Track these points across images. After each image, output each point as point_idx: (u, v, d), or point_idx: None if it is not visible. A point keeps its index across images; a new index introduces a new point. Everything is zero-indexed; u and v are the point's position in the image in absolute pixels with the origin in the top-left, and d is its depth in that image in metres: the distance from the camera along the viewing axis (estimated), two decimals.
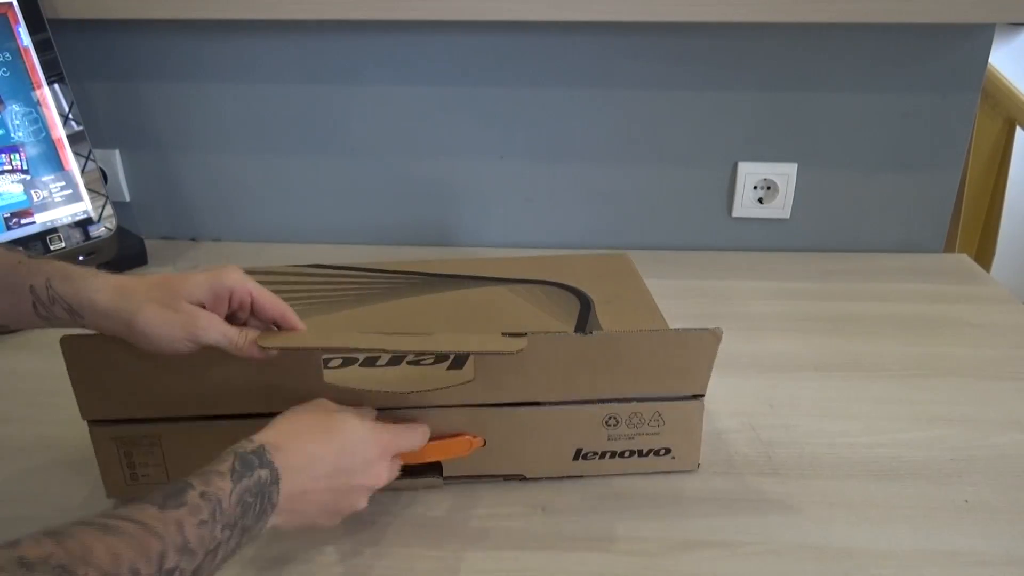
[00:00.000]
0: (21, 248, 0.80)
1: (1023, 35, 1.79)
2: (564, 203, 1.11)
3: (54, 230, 0.95)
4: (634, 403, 0.61)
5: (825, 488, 0.64)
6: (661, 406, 0.62)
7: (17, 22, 0.92)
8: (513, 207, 1.11)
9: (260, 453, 0.47)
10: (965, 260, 1.08)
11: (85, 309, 0.51)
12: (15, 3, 0.92)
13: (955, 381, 0.79)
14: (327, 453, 0.50)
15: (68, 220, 0.97)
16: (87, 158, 0.98)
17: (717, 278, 1.02)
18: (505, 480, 0.64)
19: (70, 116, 0.97)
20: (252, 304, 0.56)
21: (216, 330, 0.53)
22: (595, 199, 1.10)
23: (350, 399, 0.57)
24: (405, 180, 1.11)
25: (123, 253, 1.02)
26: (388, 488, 0.56)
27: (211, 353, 0.54)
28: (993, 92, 1.34)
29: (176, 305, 0.52)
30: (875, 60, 0.99)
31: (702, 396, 0.62)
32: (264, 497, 0.46)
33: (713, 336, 0.58)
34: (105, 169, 1.05)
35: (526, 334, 0.56)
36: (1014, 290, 0.98)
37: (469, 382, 0.59)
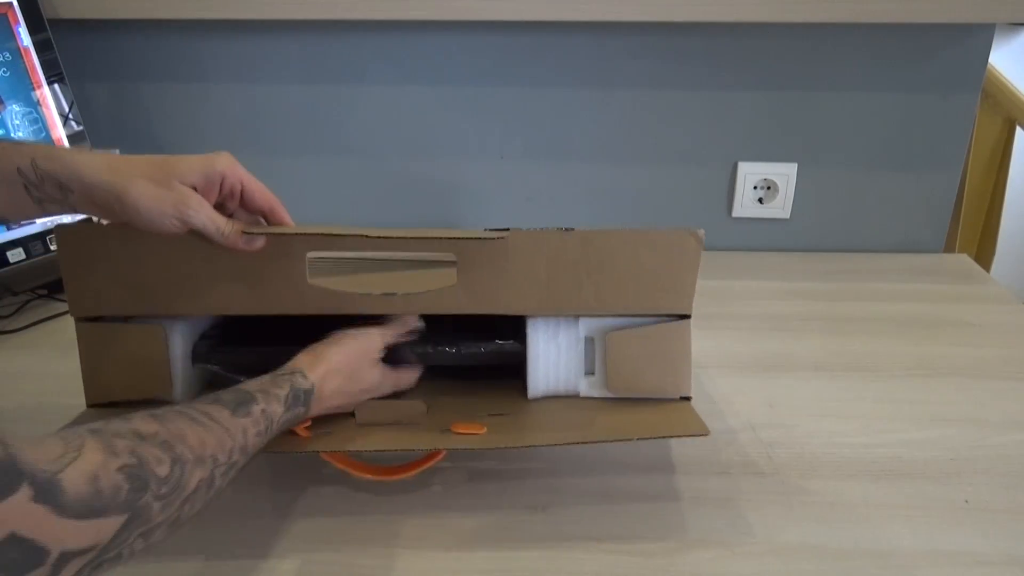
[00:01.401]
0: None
1: (1023, 35, 1.79)
2: (564, 203, 1.11)
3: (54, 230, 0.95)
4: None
5: (825, 488, 0.64)
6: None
7: (17, 22, 0.92)
8: (513, 207, 1.11)
9: (308, 395, 0.55)
10: (965, 260, 1.08)
11: (74, 183, 0.52)
12: (15, 3, 0.92)
13: (955, 381, 0.79)
14: (346, 392, 0.59)
15: (68, 220, 0.97)
16: None
17: (717, 278, 1.02)
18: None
19: (70, 116, 0.97)
20: (242, 193, 0.57)
21: (205, 214, 0.54)
22: (595, 199, 1.10)
23: (336, 303, 0.60)
24: (405, 180, 1.11)
25: None
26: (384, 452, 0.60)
27: (198, 245, 0.55)
28: (993, 92, 1.34)
29: (168, 183, 0.53)
30: (875, 60, 0.99)
31: (689, 317, 0.62)
32: (294, 423, 0.55)
33: (694, 237, 0.58)
34: None
35: (508, 228, 0.57)
36: (1014, 290, 0.98)
37: (451, 287, 0.59)
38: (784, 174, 1.06)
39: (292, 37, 1.03)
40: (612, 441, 0.60)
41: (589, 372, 0.65)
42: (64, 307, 0.94)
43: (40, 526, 0.33)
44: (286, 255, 0.60)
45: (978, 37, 0.97)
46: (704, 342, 0.85)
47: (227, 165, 0.55)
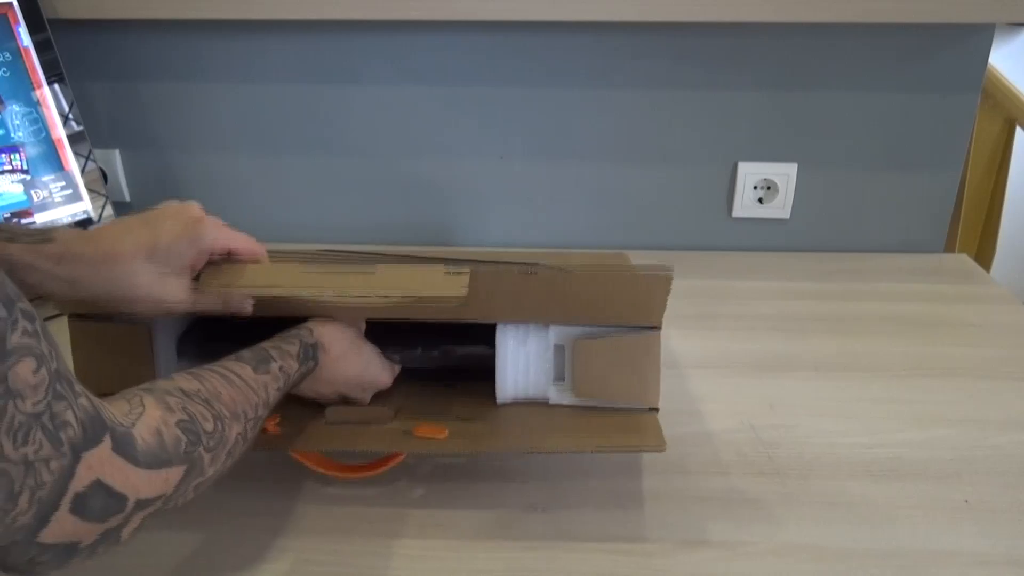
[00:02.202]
0: None
1: (1023, 35, 1.79)
2: (564, 203, 1.11)
3: None
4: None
5: (825, 488, 0.64)
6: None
7: (17, 22, 0.92)
8: (513, 207, 1.11)
9: (316, 350, 0.58)
10: (965, 260, 1.08)
11: (57, 297, 0.51)
12: (15, 3, 0.92)
13: (955, 381, 0.79)
14: (349, 374, 0.61)
15: (68, 220, 0.97)
16: (87, 158, 0.98)
17: (717, 278, 1.02)
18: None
19: (70, 116, 0.97)
20: (229, 253, 0.59)
21: (209, 300, 0.57)
22: (595, 199, 1.10)
23: (307, 309, 0.61)
24: (405, 180, 1.11)
25: None
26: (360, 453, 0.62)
27: None
28: (993, 92, 1.34)
29: (168, 280, 0.54)
30: (875, 60, 0.99)
31: (659, 329, 0.61)
32: (303, 379, 0.57)
33: (664, 279, 0.58)
34: (105, 169, 1.05)
35: (470, 264, 0.57)
36: (1014, 290, 0.98)
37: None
38: (784, 174, 1.06)
39: (292, 37, 1.03)
40: (568, 452, 0.60)
41: (559, 379, 0.65)
42: None
43: (119, 475, 0.36)
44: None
45: (978, 37, 0.97)
46: (704, 342, 0.86)
47: (213, 237, 0.56)
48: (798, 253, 1.10)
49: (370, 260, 0.62)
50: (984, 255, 1.40)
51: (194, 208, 0.56)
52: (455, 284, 0.57)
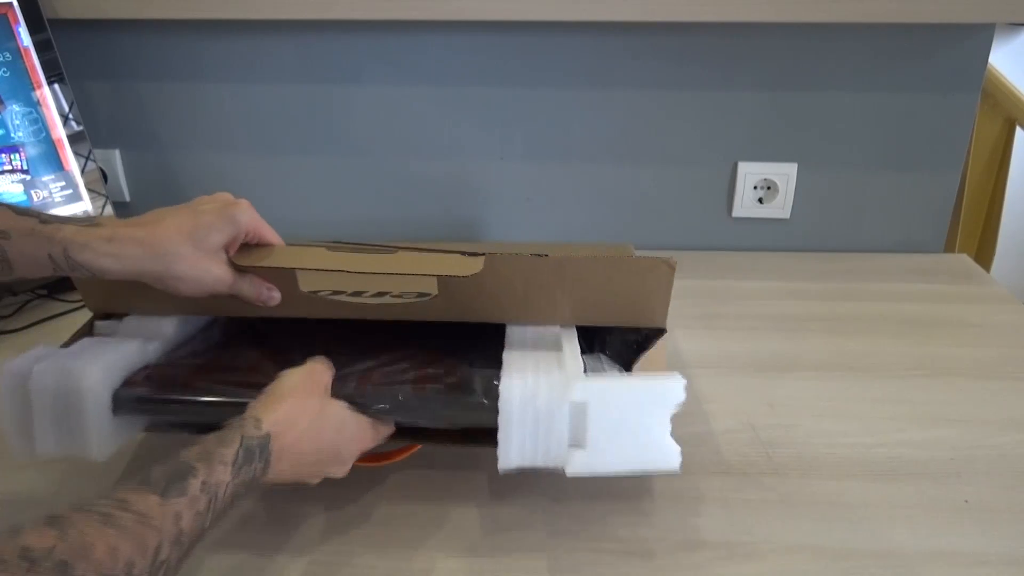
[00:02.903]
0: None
1: (1023, 35, 1.79)
2: (564, 203, 1.11)
3: None
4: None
5: (825, 488, 0.64)
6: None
7: (17, 22, 0.92)
8: (513, 207, 1.11)
9: (264, 444, 0.48)
10: (965, 260, 1.08)
11: (108, 273, 0.53)
12: (15, 3, 0.92)
13: (955, 381, 0.79)
14: (315, 451, 0.52)
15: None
16: (87, 158, 0.98)
17: (717, 278, 1.02)
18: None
19: (70, 116, 0.97)
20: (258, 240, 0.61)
21: (246, 287, 0.59)
22: (595, 199, 1.10)
23: (323, 310, 0.61)
24: (405, 180, 1.11)
25: None
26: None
27: None
28: (993, 92, 1.34)
29: (208, 258, 0.56)
30: (875, 60, 0.99)
31: (664, 331, 0.62)
32: (252, 486, 0.48)
33: (667, 266, 0.58)
34: (105, 169, 1.05)
35: (484, 254, 0.58)
36: (1014, 290, 0.98)
37: (434, 297, 0.60)
38: (784, 174, 1.06)
39: (291, 37, 1.03)
40: None
41: (575, 443, 0.55)
42: (63, 307, 0.94)
43: None
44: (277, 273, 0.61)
45: (978, 37, 0.97)
46: (704, 342, 0.86)
47: (248, 219, 0.58)
48: (798, 253, 1.10)
49: (390, 249, 0.63)
50: (984, 255, 1.40)
51: (227, 193, 0.59)
52: (472, 263, 0.59)
